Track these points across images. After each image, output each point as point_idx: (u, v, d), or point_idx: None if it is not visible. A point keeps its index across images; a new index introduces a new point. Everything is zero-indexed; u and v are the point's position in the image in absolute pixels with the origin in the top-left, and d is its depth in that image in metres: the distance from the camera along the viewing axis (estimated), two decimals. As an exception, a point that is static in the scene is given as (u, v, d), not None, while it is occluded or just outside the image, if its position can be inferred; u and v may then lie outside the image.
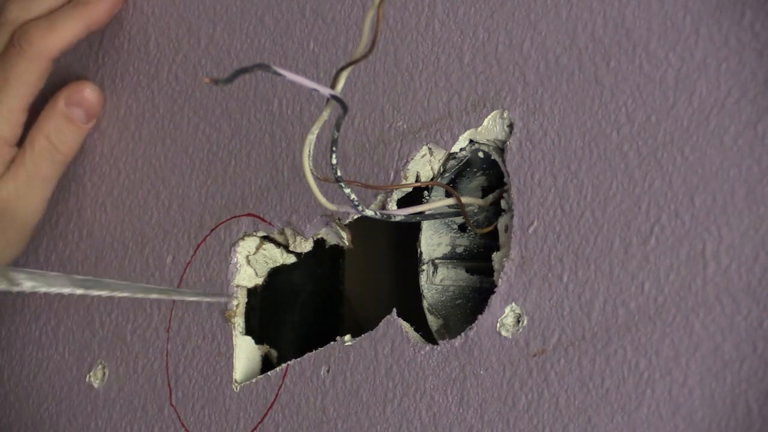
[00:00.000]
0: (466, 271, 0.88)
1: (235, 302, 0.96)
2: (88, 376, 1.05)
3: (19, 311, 1.13)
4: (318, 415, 0.88)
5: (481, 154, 0.84)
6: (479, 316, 0.80)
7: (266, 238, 0.97)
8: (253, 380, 0.93)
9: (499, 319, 0.79)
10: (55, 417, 1.07)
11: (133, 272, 1.03)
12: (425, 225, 0.88)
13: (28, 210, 1.04)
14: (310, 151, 0.76)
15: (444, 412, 0.82)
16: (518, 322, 0.79)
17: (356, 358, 0.87)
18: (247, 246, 0.96)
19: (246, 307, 0.97)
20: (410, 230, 0.90)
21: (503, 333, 0.79)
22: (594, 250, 0.76)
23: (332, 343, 0.89)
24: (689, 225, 0.72)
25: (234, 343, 0.96)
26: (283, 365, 0.91)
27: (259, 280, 0.97)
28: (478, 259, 0.88)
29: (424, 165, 0.86)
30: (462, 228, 0.89)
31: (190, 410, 0.97)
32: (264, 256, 0.97)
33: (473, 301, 0.88)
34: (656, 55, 0.75)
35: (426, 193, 0.87)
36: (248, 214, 0.96)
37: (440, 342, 0.83)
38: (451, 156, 0.85)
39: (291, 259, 0.97)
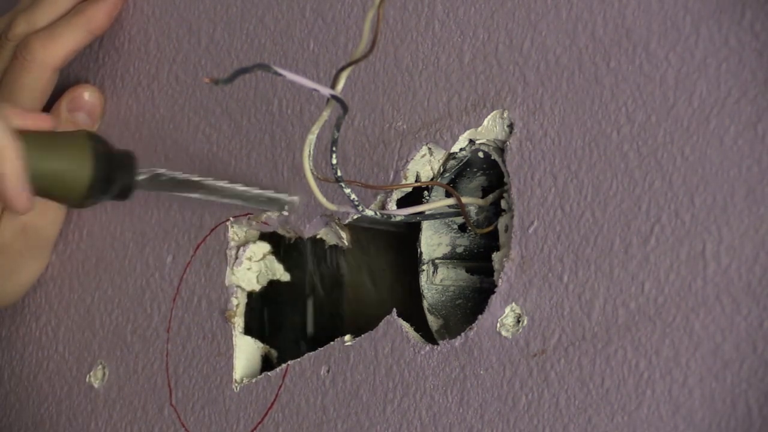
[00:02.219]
0: (466, 271, 0.88)
1: (235, 302, 0.96)
2: (88, 376, 1.05)
3: (19, 311, 1.12)
4: (318, 415, 0.88)
5: (481, 154, 0.84)
6: (479, 316, 0.80)
7: (274, 253, 0.97)
8: (253, 380, 0.93)
9: (499, 319, 0.79)
10: (55, 417, 1.07)
11: (134, 272, 1.03)
12: (425, 225, 0.88)
13: (48, 223, 1.04)
14: (310, 151, 0.76)
15: (444, 412, 0.82)
16: (518, 322, 0.79)
17: (356, 358, 0.87)
18: (255, 250, 0.96)
19: (246, 307, 0.97)
20: (410, 230, 0.90)
21: (503, 333, 0.79)
22: (594, 250, 0.76)
23: (332, 343, 0.89)
24: (689, 225, 0.72)
25: (234, 343, 0.96)
26: (283, 365, 0.91)
27: (258, 287, 0.97)
28: (479, 259, 0.88)
29: (424, 165, 0.86)
30: (462, 228, 0.89)
31: (190, 410, 0.97)
32: (266, 266, 0.97)
33: (473, 301, 0.88)
34: (656, 55, 0.75)
35: (426, 193, 0.87)
36: (248, 214, 0.96)
37: (440, 342, 0.83)
38: (451, 156, 0.85)
39: (286, 278, 0.97)
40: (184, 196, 0.88)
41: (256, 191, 0.91)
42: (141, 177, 0.84)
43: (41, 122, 0.84)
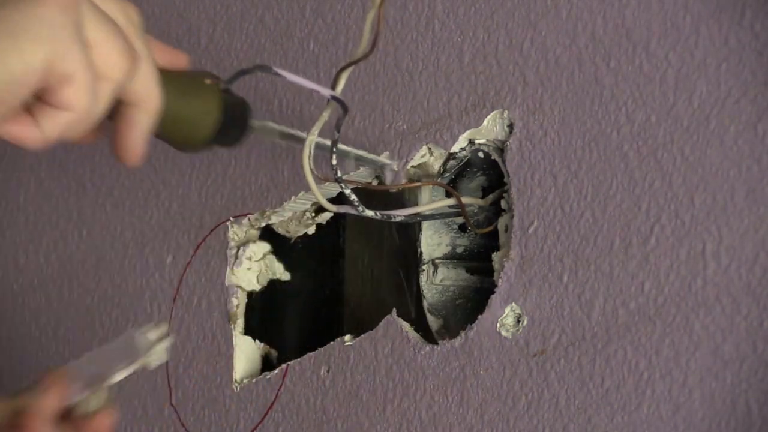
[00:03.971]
0: (467, 271, 0.88)
1: (235, 302, 0.96)
2: (88, 376, 1.05)
3: (19, 311, 1.13)
4: (318, 415, 0.88)
5: (481, 154, 0.84)
6: (479, 316, 0.80)
7: (274, 252, 0.97)
8: (253, 380, 0.93)
9: (499, 319, 0.80)
10: (55, 417, 1.07)
11: (133, 272, 1.03)
12: (425, 225, 0.88)
13: None
14: (310, 152, 0.76)
15: (444, 412, 0.82)
16: (518, 322, 0.79)
17: (356, 358, 0.87)
18: (255, 250, 0.96)
19: (246, 307, 0.97)
20: (411, 230, 0.90)
21: (503, 333, 0.79)
22: (594, 250, 0.76)
23: (332, 343, 0.89)
24: (689, 225, 0.72)
25: (234, 343, 0.96)
26: (283, 365, 0.91)
27: (258, 287, 0.97)
28: (479, 259, 0.88)
29: (424, 165, 0.86)
30: (462, 228, 0.89)
31: (190, 410, 0.97)
32: (266, 265, 0.97)
33: (473, 301, 0.88)
34: (656, 55, 0.75)
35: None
36: (248, 214, 0.96)
37: (440, 342, 0.83)
38: (451, 156, 0.85)
39: (286, 277, 0.97)
40: (289, 144, 0.83)
41: (356, 151, 0.87)
42: (254, 126, 0.79)
43: (179, 61, 0.75)
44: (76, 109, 0.64)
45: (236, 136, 0.78)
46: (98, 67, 0.65)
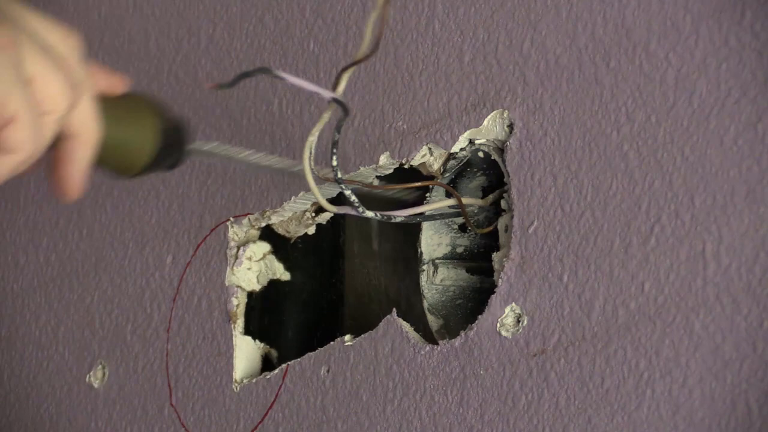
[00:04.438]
0: (467, 272, 0.88)
1: (235, 302, 0.96)
2: (88, 376, 1.05)
3: (19, 311, 1.13)
4: (318, 415, 0.88)
5: (481, 154, 0.84)
6: (479, 317, 0.80)
7: (274, 252, 0.98)
8: (253, 380, 0.93)
9: (499, 319, 0.80)
10: (55, 417, 1.07)
11: (133, 272, 1.03)
12: (426, 225, 0.88)
13: None
14: (311, 152, 0.76)
15: (444, 412, 0.82)
16: (518, 322, 0.79)
17: (356, 358, 0.87)
18: (256, 250, 0.97)
19: (246, 307, 0.97)
20: (411, 230, 0.90)
21: (503, 333, 0.79)
22: (594, 250, 0.76)
23: (332, 343, 0.89)
24: (689, 225, 0.72)
25: (234, 343, 0.96)
26: (283, 365, 0.91)
27: (258, 287, 0.97)
28: (479, 259, 0.88)
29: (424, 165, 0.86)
30: (462, 228, 0.89)
31: (190, 410, 0.97)
32: (266, 265, 0.97)
33: (474, 302, 0.88)
34: (656, 55, 0.75)
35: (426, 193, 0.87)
36: (248, 214, 0.96)
37: (440, 342, 0.83)
38: (451, 156, 0.85)
39: (286, 277, 0.98)
40: (233, 164, 0.81)
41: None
42: (193, 149, 0.78)
43: (118, 85, 0.72)
44: (22, 150, 0.63)
45: (174, 162, 0.76)
46: (41, 103, 0.64)
